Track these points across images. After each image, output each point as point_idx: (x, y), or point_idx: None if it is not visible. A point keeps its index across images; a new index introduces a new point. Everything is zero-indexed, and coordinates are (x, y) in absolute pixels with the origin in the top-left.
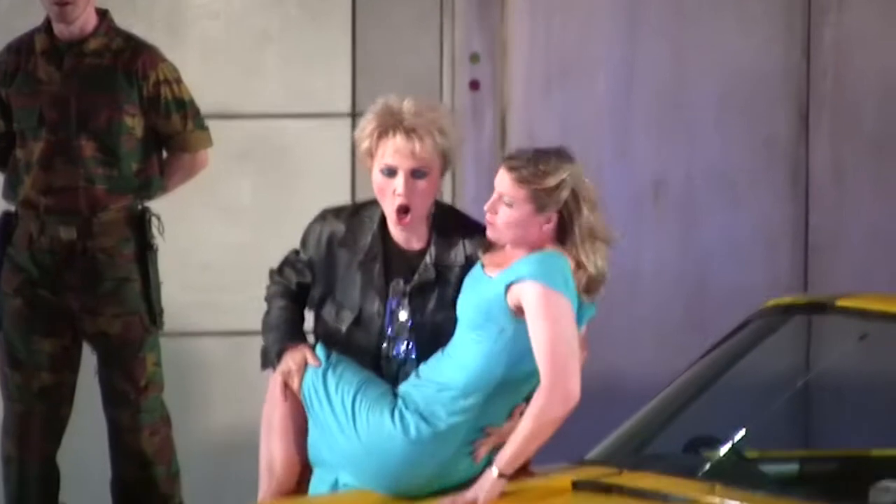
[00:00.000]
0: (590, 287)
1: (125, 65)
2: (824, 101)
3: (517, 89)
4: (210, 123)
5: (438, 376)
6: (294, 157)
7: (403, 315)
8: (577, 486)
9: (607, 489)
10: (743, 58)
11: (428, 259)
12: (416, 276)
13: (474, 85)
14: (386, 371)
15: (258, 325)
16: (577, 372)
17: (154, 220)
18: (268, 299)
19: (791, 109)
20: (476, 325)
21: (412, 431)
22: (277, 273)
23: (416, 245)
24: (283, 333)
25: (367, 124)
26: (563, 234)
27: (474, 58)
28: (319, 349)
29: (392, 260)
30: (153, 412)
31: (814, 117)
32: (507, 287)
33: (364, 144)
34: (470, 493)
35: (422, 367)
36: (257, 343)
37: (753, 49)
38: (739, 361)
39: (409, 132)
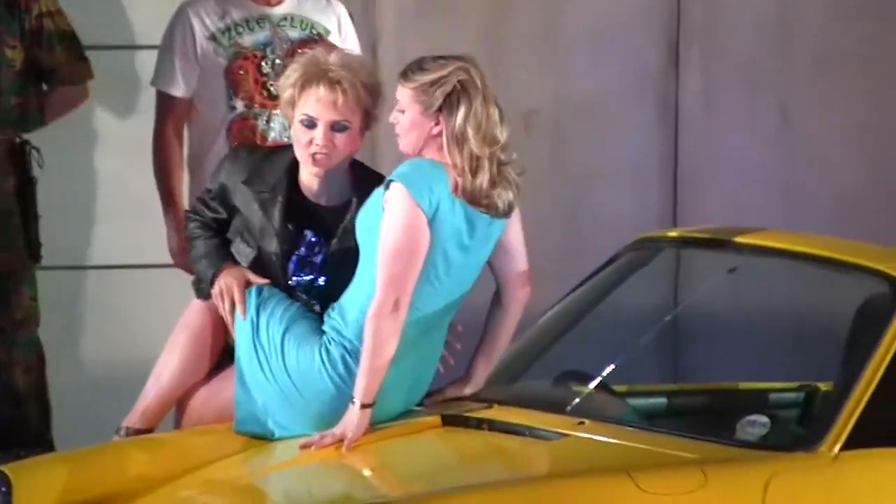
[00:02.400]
0: (473, 197)
1: None
2: (695, 30)
3: (388, 18)
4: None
5: (352, 306)
6: None
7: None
8: (446, 420)
9: (477, 424)
10: None
11: (349, 217)
12: (336, 239)
13: None
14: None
15: (129, 259)
16: (409, 283)
17: (34, 154)
18: (188, 237)
19: (661, 39)
20: (367, 243)
21: (340, 366)
22: (191, 211)
23: (325, 201)
24: (215, 258)
25: (293, 73)
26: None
27: None
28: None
29: (296, 207)
30: (28, 347)
31: (684, 47)
32: (384, 195)
33: (286, 93)
34: (338, 429)
35: (340, 300)
36: (128, 277)
37: None
38: (609, 295)
39: (334, 84)
